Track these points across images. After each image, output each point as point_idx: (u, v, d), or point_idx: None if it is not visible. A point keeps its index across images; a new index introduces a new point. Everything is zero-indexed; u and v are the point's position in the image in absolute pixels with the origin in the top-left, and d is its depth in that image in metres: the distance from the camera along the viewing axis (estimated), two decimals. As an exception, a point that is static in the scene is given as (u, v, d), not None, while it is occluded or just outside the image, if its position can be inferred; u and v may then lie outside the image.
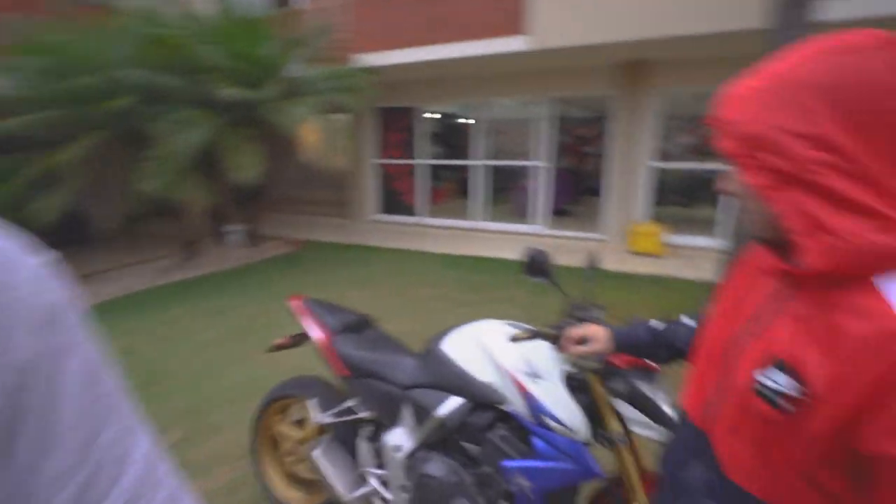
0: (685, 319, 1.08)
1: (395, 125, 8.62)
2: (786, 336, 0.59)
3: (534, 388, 1.29)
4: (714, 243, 6.67)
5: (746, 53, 5.65)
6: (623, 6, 5.16)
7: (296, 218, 9.35)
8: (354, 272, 5.73)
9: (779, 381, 0.58)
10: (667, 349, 1.06)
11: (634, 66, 6.32)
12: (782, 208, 0.56)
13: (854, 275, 0.53)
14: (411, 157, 8.52)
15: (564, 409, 1.27)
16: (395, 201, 8.94)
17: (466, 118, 9.99)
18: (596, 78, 6.69)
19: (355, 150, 7.93)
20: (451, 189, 10.37)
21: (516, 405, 1.32)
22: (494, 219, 8.03)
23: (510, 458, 1.31)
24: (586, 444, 1.29)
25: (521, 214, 8.20)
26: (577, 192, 11.42)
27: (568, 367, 1.40)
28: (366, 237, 7.76)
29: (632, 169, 6.73)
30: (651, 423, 1.24)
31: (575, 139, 12.54)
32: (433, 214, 8.55)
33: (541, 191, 7.54)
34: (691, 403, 0.80)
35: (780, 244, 0.66)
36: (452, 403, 1.44)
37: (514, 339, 1.18)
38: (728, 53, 5.79)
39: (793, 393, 0.56)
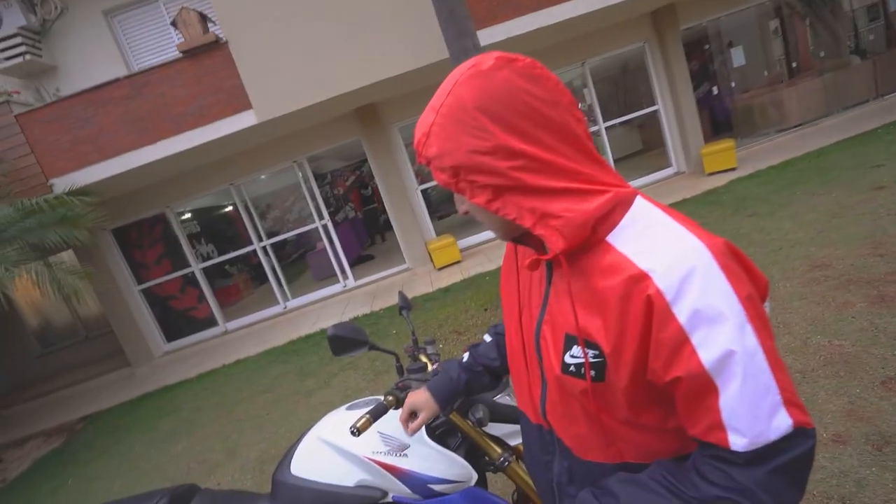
0: (487, 337, 1.13)
1: (148, 239, 7.32)
2: (566, 313, 0.65)
3: (405, 463, 1.18)
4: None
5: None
6: (327, 66, 5.45)
7: (65, 395, 7.04)
8: (157, 429, 4.58)
9: (578, 354, 0.64)
10: (489, 373, 1.08)
11: (368, 109, 6.83)
12: (510, 213, 0.62)
13: (591, 239, 0.61)
14: (182, 267, 7.36)
15: (443, 465, 1.20)
16: (182, 322, 7.59)
17: (228, 204, 9.24)
18: (338, 129, 6.98)
19: (106, 283, 6.44)
20: (243, 282, 9.40)
21: (396, 489, 1.19)
22: (299, 293, 7.56)
23: (415, 549, 1.17)
24: (479, 481, 1.24)
25: (323, 278, 7.94)
26: (371, 234, 11.78)
27: (407, 432, 1.34)
28: (161, 378, 6.32)
29: (405, 196, 7.24)
30: (518, 427, 1.27)
31: (348, 187, 12.96)
32: (233, 317, 7.56)
33: (335, 247, 7.43)
34: (526, 405, 0.84)
35: (530, 238, 0.74)
36: (334, 528, 1.21)
37: (356, 431, 1.05)
38: (435, 81, 6.80)
39: (594, 359, 0.62)
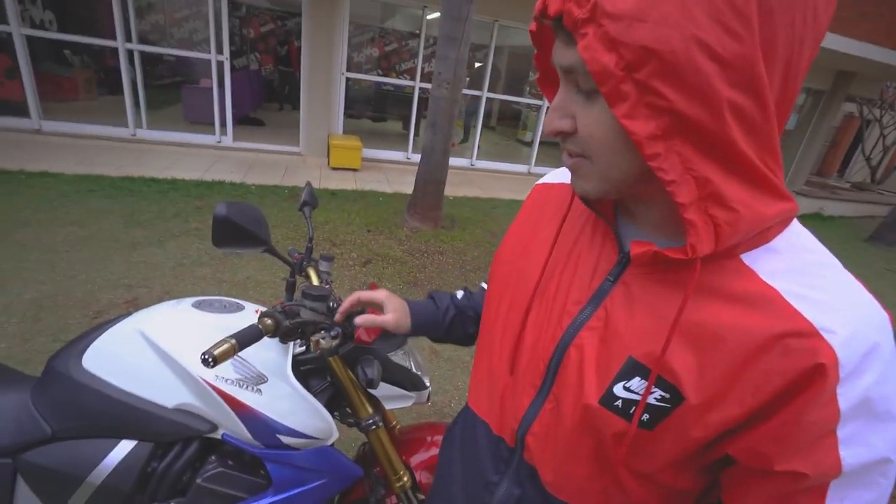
0: (484, 285, 0.87)
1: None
2: (643, 333, 0.47)
3: (255, 401, 0.91)
4: (404, 157, 7.27)
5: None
6: None
7: None
8: None
9: (638, 390, 0.46)
10: (475, 322, 0.86)
11: (323, -45, 5.62)
12: (668, 170, 0.37)
13: (726, 250, 0.43)
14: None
15: (302, 414, 0.95)
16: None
17: (94, -27, 7.07)
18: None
19: None
20: (85, 81, 7.39)
21: (231, 428, 0.91)
22: (158, 125, 6.19)
23: (237, 501, 0.93)
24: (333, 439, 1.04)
25: (195, 121, 6.64)
26: (266, 99, 10.23)
27: (296, 350, 1.07)
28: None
29: (327, 78, 6.31)
30: (406, 393, 1.08)
31: (262, 34, 10.93)
32: (55, 115, 5.84)
33: (224, 93, 6.18)
34: (490, 411, 0.63)
35: (623, 211, 0.52)
36: (118, 453, 0.90)
37: (211, 360, 0.68)
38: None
39: (657, 402, 0.45)
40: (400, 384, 1.07)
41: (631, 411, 0.46)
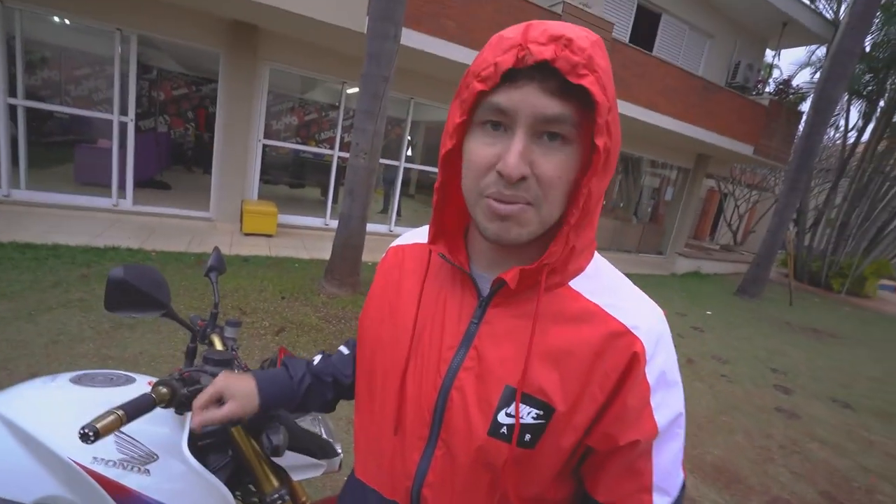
0: (344, 349, 0.88)
1: None
2: (508, 361, 0.53)
3: (140, 483, 0.82)
4: (322, 223, 7.22)
5: (352, 54, 6.28)
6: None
7: None
8: None
9: (517, 413, 0.52)
10: (336, 390, 0.83)
11: (247, 29, 5.78)
12: (594, 191, 0.49)
13: (556, 279, 0.54)
14: None
15: (198, 495, 0.87)
16: None
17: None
18: (200, 27, 5.69)
19: None
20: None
21: (108, 520, 0.80)
22: (42, 186, 5.59)
23: None
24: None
25: (87, 182, 6.11)
26: (172, 161, 9.77)
27: (193, 424, 0.99)
28: None
29: (244, 142, 6.25)
30: (316, 461, 1.03)
31: (172, 98, 10.62)
32: None
33: (125, 154, 5.80)
34: (380, 476, 0.63)
35: (451, 243, 0.59)
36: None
37: (92, 434, 0.61)
38: (334, 48, 6.23)
39: (534, 420, 0.52)
40: (309, 452, 1.02)
41: (512, 435, 0.52)
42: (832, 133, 14.05)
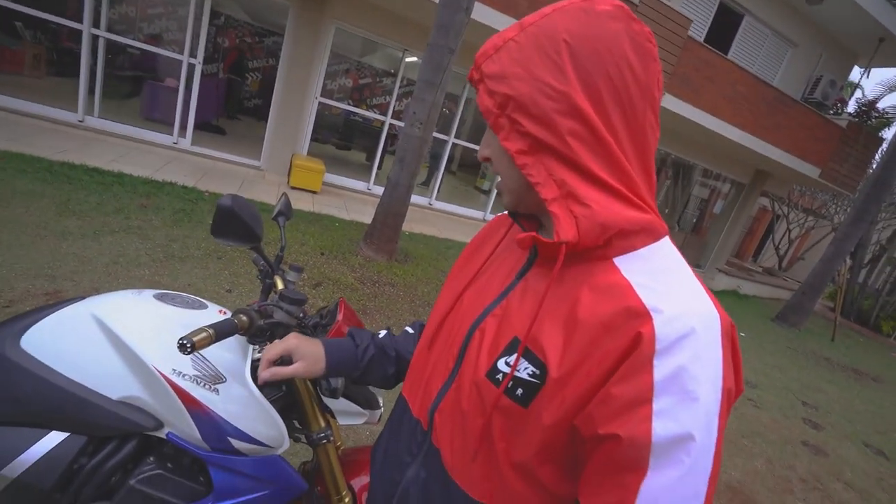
0: (409, 329, 0.93)
1: None
2: (525, 315, 0.56)
3: (211, 400, 0.88)
4: (365, 187, 7.31)
5: (420, 22, 6.22)
6: None
7: None
8: None
9: (517, 365, 0.54)
10: (396, 363, 0.87)
11: (314, -16, 5.80)
12: (534, 175, 0.53)
13: (598, 252, 0.53)
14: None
15: (256, 419, 0.93)
16: None
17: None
18: (270, -21, 5.74)
19: None
20: (34, 57, 6.93)
21: (179, 428, 0.88)
22: (112, 117, 5.87)
23: (169, 509, 0.87)
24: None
25: (152, 118, 6.37)
26: (231, 109, 10.03)
27: (256, 353, 1.05)
28: None
29: (301, 98, 6.35)
30: (361, 410, 1.08)
31: (240, 46, 10.83)
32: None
33: (190, 95, 6.01)
34: (415, 394, 0.71)
35: (529, 217, 0.64)
36: (43, 445, 0.83)
37: (189, 346, 0.69)
38: (403, 14, 6.18)
39: (529, 378, 0.53)
40: (356, 400, 1.07)
41: (508, 383, 0.54)
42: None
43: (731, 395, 0.48)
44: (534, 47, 0.51)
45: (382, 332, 0.89)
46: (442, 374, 0.65)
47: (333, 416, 1.10)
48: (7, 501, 0.82)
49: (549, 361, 0.51)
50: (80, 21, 5.35)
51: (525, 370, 0.53)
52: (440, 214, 7.83)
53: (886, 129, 11.44)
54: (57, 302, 0.94)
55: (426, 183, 8.32)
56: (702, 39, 7.93)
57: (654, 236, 0.54)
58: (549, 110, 0.50)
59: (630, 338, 0.46)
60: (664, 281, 0.50)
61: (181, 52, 5.83)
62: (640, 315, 0.47)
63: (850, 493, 3.12)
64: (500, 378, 0.55)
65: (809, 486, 3.05)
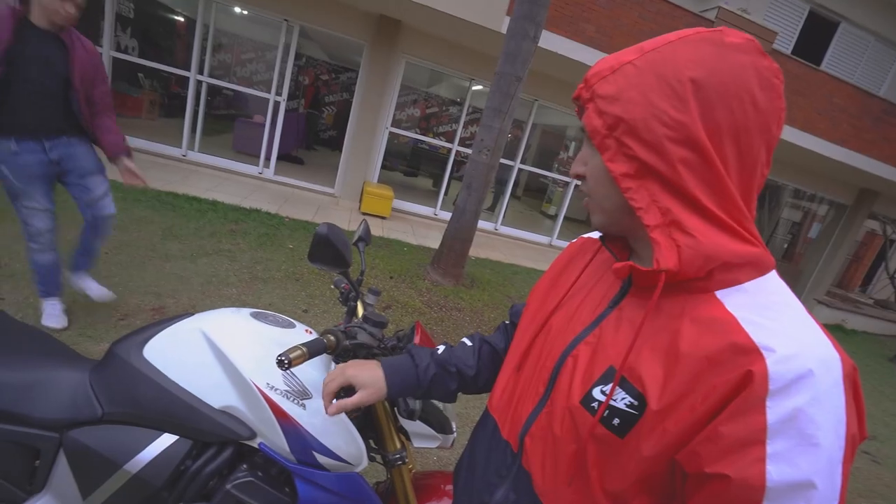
0: (467, 341, 0.92)
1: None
2: (623, 345, 0.56)
3: (297, 413, 0.93)
4: (431, 212, 7.50)
5: (485, 52, 6.42)
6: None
7: None
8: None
9: (612, 394, 0.54)
10: (458, 379, 0.86)
11: (391, 23, 6.19)
12: (638, 200, 0.52)
13: (699, 284, 0.52)
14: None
15: (338, 435, 0.97)
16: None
17: (182, 14, 7.84)
18: (348, 18, 6.23)
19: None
20: (150, 102, 7.99)
21: (270, 439, 0.93)
22: (209, 151, 6.57)
23: (259, 516, 0.92)
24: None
25: (242, 151, 7.04)
26: (308, 141, 10.83)
27: (328, 412, 1.10)
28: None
29: (372, 128, 6.71)
30: (435, 433, 1.09)
31: (317, 84, 11.78)
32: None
33: (274, 130, 6.59)
34: (503, 415, 0.70)
35: (618, 241, 0.64)
36: (158, 445, 0.92)
37: (287, 362, 0.75)
38: (470, 45, 6.41)
39: (627, 408, 0.52)
40: (431, 424, 1.08)
41: (604, 412, 0.54)
42: None
43: (856, 443, 0.46)
44: (653, 74, 0.50)
45: (441, 348, 0.88)
46: (532, 399, 0.65)
47: (408, 439, 1.11)
48: (125, 494, 0.91)
49: (649, 392, 0.51)
50: (188, 69, 6.12)
51: (622, 400, 0.53)
52: (506, 240, 7.80)
53: None
54: (172, 317, 1.06)
55: (492, 208, 8.36)
56: (789, 51, 7.40)
57: (761, 270, 0.52)
58: (661, 137, 0.50)
59: (739, 375, 0.45)
60: (774, 318, 0.48)
61: (268, 91, 6.45)
62: (750, 352, 0.46)
63: None
64: (596, 406, 0.55)
65: (949, 562, 2.56)
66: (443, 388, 0.85)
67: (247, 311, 1.10)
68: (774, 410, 0.43)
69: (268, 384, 0.93)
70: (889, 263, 14.73)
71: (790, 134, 6.87)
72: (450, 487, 1.20)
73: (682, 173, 0.50)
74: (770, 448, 0.43)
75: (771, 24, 6.91)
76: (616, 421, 0.53)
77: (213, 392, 0.94)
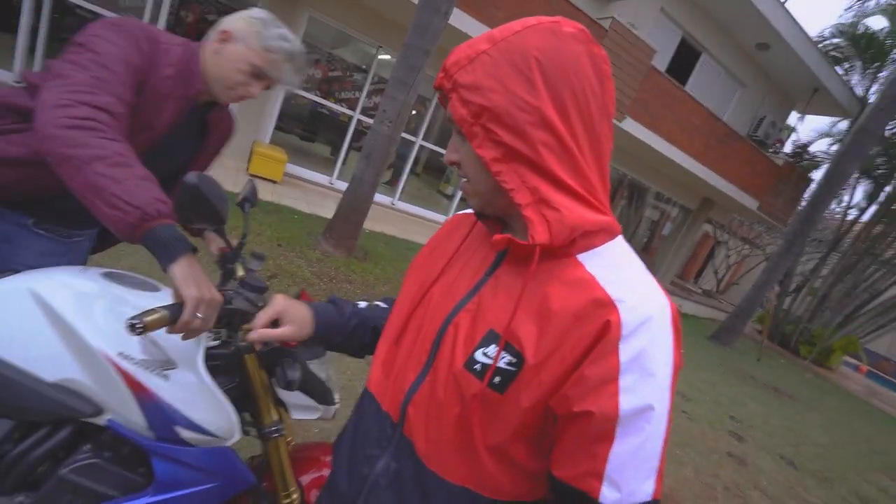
0: (382, 303, 0.93)
1: None
2: (500, 310, 0.60)
3: (158, 386, 0.84)
4: (327, 181, 7.17)
5: (396, 20, 6.18)
6: None
7: None
8: None
9: (492, 355, 0.58)
10: (372, 334, 0.88)
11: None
12: (509, 181, 0.56)
13: (563, 250, 0.58)
14: None
15: (207, 408, 0.89)
16: None
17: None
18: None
19: None
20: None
21: (123, 415, 0.82)
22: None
23: (105, 500, 0.82)
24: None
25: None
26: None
27: (210, 341, 1.01)
28: None
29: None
30: (315, 405, 1.06)
31: (202, 24, 10.31)
32: None
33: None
34: (383, 389, 0.72)
35: (496, 218, 0.68)
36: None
37: (141, 328, 0.66)
38: (380, 10, 6.13)
39: (507, 366, 0.57)
40: (311, 394, 1.05)
41: (485, 373, 0.58)
42: (834, 206, 14.35)
43: (678, 370, 0.56)
44: (507, 62, 0.54)
45: (362, 303, 0.90)
46: (414, 369, 0.67)
47: (286, 410, 1.07)
48: None
49: (526, 350, 0.56)
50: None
51: (503, 360, 0.57)
52: (402, 215, 7.80)
53: (815, 171, 12.54)
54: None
55: (390, 182, 8.27)
56: (664, 70, 8.40)
57: (612, 234, 0.61)
58: (522, 122, 0.54)
59: (599, 325, 0.53)
60: (623, 274, 0.58)
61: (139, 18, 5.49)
62: (607, 305, 0.54)
63: (764, 501, 3.37)
64: (479, 368, 0.59)
65: (731, 494, 3.27)
66: (358, 340, 0.87)
67: (97, 269, 0.95)
68: (625, 352, 0.52)
69: (120, 353, 0.81)
70: (715, 261, 17.91)
71: (657, 142, 7.87)
72: (329, 458, 1.19)
73: (544, 155, 0.55)
74: (622, 383, 0.51)
75: (652, 42, 7.76)
76: (497, 379, 0.57)
77: (45, 363, 0.80)
